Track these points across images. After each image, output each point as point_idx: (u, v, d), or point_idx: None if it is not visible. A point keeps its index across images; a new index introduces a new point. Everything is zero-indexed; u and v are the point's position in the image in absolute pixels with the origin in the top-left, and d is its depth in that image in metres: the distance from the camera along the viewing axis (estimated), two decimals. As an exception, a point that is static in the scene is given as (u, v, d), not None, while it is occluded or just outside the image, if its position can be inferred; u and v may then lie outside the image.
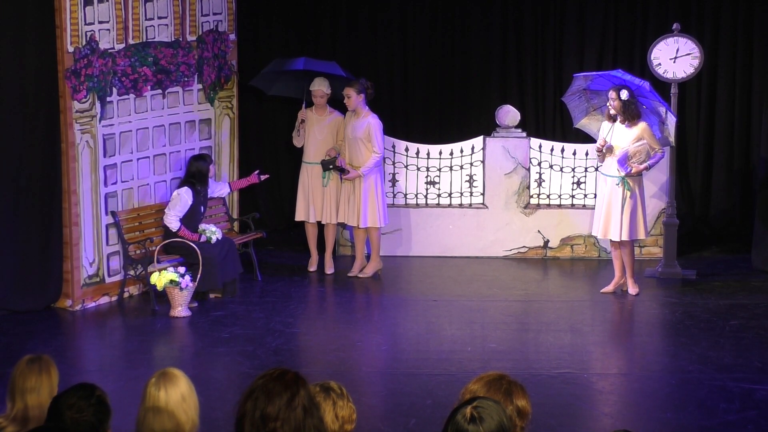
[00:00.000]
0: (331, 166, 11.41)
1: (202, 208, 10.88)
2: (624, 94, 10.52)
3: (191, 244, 10.52)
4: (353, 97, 11.22)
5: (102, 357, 9.59)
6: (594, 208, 11.31)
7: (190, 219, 10.72)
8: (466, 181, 12.36)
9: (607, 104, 10.70)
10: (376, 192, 11.43)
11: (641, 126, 10.64)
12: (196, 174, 10.77)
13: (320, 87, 11.57)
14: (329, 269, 11.82)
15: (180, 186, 10.78)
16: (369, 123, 11.29)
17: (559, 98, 11.99)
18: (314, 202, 11.72)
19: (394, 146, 12.24)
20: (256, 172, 11.58)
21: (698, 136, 13.14)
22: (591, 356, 9.41)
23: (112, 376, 8.65)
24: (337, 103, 11.82)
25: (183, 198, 10.65)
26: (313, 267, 11.88)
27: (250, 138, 13.26)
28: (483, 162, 12.30)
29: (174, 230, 10.61)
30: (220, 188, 11.38)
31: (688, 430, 7.71)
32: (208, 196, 11.06)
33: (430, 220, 12.39)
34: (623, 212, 10.65)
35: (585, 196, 12.28)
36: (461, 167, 12.37)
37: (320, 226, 11.91)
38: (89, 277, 10.53)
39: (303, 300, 11.00)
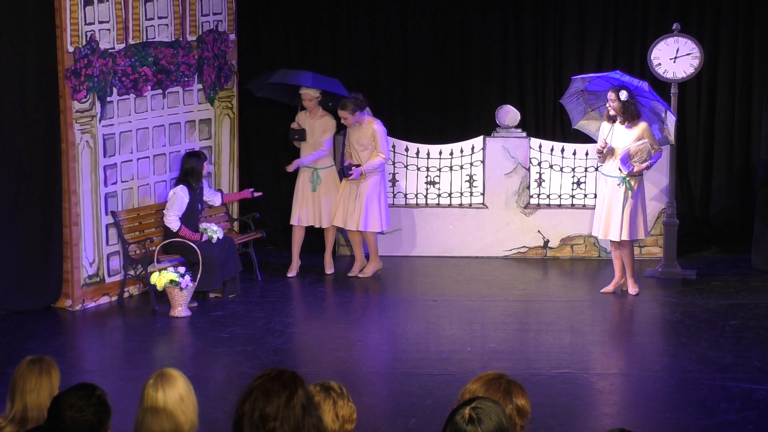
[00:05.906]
0: (296, 136, 11.49)
1: (199, 205, 10.87)
2: (623, 95, 10.52)
3: (191, 243, 10.52)
4: (349, 118, 11.24)
5: (102, 357, 9.59)
6: (594, 208, 11.32)
7: (189, 217, 10.72)
8: (466, 181, 12.36)
9: (606, 105, 10.70)
10: (379, 196, 11.42)
11: (641, 126, 10.63)
12: (190, 171, 10.74)
13: (308, 91, 11.50)
14: (329, 269, 11.81)
15: (175, 185, 10.78)
16: (374, 130, 11.32)
17: (559, 98, 11.98)
18: (305, 206, 11.66)
19: (394, 146, 12.23)
20: (251, 189, 11.56)
21: (698, 136, 13.13)
22: (591, 356, 9.41)
23: (112, 376, 8.65)
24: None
25: (179, 196, 10.65)
26: (292, 272, 11.65)
27: (250, 138, 13.26)
28: (483, 162, 12.30)
29: (175, 230, 10.61)
30: (212, 195, 11.28)
31: (688, 430, 7.71)
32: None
33: (430, 220, 12.38)
34: (623, 212, 10.65)
35: (585, 196, 12.27)
36: (461, 167, 12.36)
37: (320, 228, 11.88)
38: (89, 277, 10.53)
39: (303, 300, 11.00)
